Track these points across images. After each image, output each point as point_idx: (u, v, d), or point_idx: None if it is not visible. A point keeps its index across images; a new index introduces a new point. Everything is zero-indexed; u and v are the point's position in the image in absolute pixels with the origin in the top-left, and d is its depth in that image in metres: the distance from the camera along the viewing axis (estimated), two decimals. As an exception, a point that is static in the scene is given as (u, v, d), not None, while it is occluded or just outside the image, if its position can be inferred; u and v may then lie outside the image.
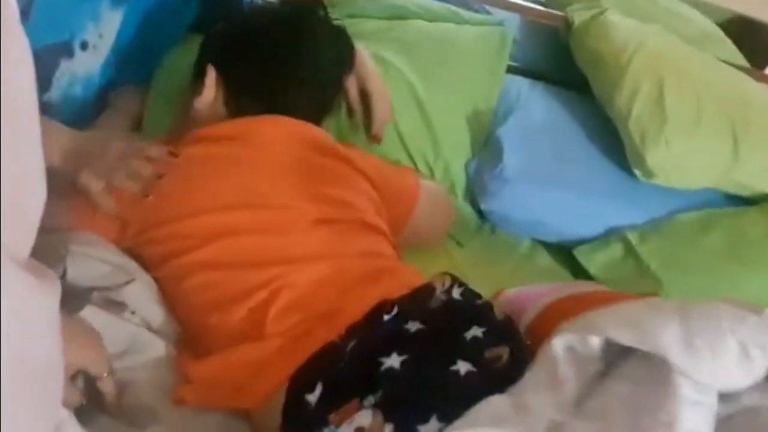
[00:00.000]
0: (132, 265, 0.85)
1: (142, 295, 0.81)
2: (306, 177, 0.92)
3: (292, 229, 0.87)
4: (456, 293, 0.80)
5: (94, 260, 0.81)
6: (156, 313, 0.81)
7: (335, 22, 1.08)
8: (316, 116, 1.03)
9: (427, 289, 0.81)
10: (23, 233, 0.46)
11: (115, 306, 0.77)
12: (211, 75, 0.98)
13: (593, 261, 1.19)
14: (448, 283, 0.82)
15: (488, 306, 0.80)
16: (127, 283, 0.80)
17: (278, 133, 0.96)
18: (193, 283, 0.82)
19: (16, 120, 0.41)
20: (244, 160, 0.92)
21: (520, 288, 1.00)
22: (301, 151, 0.95)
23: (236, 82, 0.99)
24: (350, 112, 1.13)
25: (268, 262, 0.82)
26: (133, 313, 0.77)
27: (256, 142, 0.94)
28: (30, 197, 0.45)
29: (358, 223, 0.92)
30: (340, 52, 1.07)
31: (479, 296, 0.82)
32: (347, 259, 0.86)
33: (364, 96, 1.12)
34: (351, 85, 1.11)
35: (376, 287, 0.82)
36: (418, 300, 0.80)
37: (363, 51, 1.15)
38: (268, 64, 1.00)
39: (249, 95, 0.99)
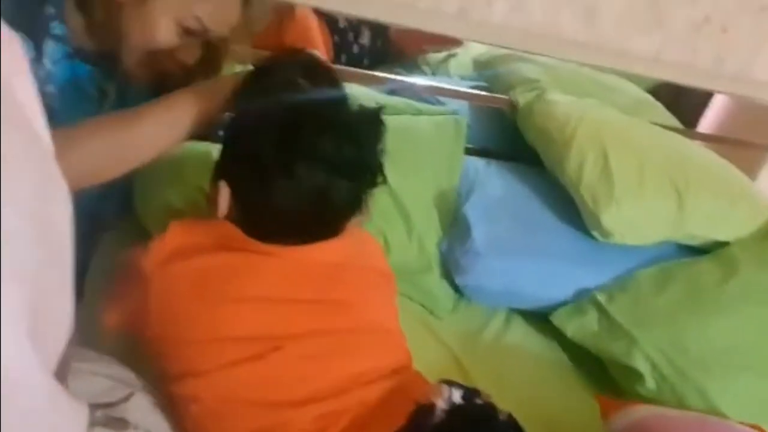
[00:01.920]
0: (131, 376, 0.83)
1: (143, 407, 0.79)
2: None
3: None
4: (456, 397, 0.78)
5: (96, 376, 0.80)
6: (159, 425, 0.79)
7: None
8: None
9: (426, 410, 0.77)
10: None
11: (118, 423, 0.76)
12: (224, 193, 0.82)
13: (569, 325, 1.21)
14: (446, 392, 0.78)
15: (490, 405, 0.79)
16: (128, 397, 0.79)
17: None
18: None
19: (54, 244, 0.42)
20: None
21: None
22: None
23: (244, 208, 0.83)
24: None
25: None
26: (135, 429, 0.76)
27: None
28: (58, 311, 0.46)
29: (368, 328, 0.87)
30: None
31: (479, 394, 0.80)
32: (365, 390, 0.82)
33: None
34: None
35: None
36: (420, 426, 0.76)
37: None
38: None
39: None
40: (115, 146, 0.81)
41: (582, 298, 1.24)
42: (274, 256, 0.81)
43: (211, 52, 0.97)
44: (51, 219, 0.41)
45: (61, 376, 0.79)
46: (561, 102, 1.42)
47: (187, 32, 0.89)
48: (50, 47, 0.90)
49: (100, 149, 0.81)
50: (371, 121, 0.84)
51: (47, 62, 0.90)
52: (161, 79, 0.94)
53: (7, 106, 0.38)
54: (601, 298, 1.22)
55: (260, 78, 0.84)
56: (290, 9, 1.74)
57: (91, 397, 0.77)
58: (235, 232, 0.81)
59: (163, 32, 0.88)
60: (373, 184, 0.86)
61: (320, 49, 1.73)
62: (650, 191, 1.25)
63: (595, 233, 1.26)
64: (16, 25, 0.82)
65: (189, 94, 0.85)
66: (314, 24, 1.78)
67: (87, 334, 0.95)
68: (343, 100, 0.85)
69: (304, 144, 0.78)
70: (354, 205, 0.86)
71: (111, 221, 1.17)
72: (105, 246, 1.14)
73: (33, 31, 0.87)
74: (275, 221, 0.81)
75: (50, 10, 0.89)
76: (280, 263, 0.81)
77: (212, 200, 0.83)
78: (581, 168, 1.27)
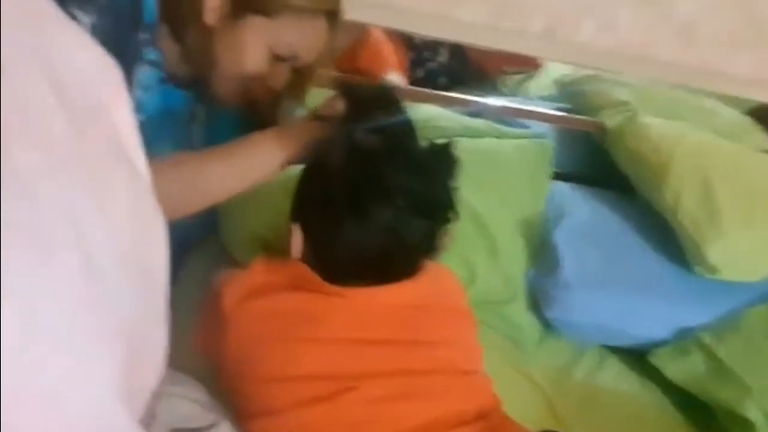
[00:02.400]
0: (217, 404, 0.81)
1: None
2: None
3: None
4: None
5: (183, 399, 0.78)
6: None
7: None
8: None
9: None
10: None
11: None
12: (297, 235, 0.81)
13: (670, 366, 1.11)
14: None
15: None
16: (212, 425, 0.77)
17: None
18: None
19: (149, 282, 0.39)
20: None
21: None
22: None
23: (315, 249, 0.81)
24: None
25: None
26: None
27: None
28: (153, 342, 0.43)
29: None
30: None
31: None
32: None
33: None
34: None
35: None
36: None
37: None
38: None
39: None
40: (193, 185, 0.81)
41: (682, 337, 1.13)
42: (346, 298, 0.78)
43: (298, 78, 0.96)
44: (150, 262, 0.38)
45: (150, 412, 0.77)
46: (654, 124, 1.33)
47: (277, 59, 0.89)
48: (144, 73, 0.91)
49: (179, 187, 0.80)
50: (443, 157, 0.82)
51: (138, 90, 0.91)
52: (250, 104, 0.94)
53: (108, 139, 0.34)
54: (707, 338, 1.11)
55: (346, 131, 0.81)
56: (364, 31, 1.72)
57: (177, 421, 0.75)
58: (309, 274, 0.79)
59: (254, 59, 0.87)
60: (446, 220, 0.83)
61: (394, 70, 1.69)
62: (761, 221, 1.14)
63: (698, 269, 1.16)
64: (110, 52, 0.84)
65: (271, 138, 0.84)
66: (387, 46, 1.76)
67: (173, 354, 0.94)
68: (412, 135, 0.83)
69: (374, 182, 0.76)
70: (428, 243, 0.82)
71: (196, 241, 1.17)
72: (191, 266, 1.12)
73: (125, 59, 0.87)
74: (347, 263, 0.79)
75: (144, 36, 0.89)
76: (352, 305, 0.78)
77: (287, 242, 0.82)
78: (680, 195, 1.18)
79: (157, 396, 0.81)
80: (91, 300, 0.30)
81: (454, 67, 1.92)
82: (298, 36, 0.87)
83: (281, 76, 0.91)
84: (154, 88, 0.93)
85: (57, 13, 0.34)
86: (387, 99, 0.86)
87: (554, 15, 1.35)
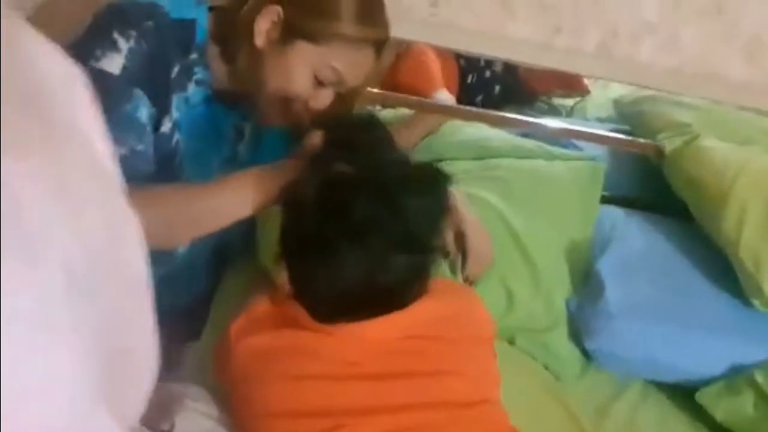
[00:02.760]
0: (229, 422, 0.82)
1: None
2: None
3: None
4: None
5: (200, 415, 0.79)
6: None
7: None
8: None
9: None
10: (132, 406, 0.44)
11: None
12: (283, 272, 0.81)
13: (718, 406, 1.04)
14: None
15: None
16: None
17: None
18: None
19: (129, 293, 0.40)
20: None
21: None
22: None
23: (294, 289, 0.80)
24: (445, 254, 1.10)
25: None
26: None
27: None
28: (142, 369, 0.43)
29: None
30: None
31: None
32: None
33: (459, 238, 1.09)
34: (446, 227, 1.08)
35: None
36: None
37: (457, 191, 1.13)
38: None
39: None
40: (170, 222, 0.82)
41: (735, 376, 1.06)
42: (333, 336, 0.76)
43: (343, 100, 0.97)
44: (127, 262, 0.39)
45: (169, 421, 0.79)
46: (717, 148, 1.25)
47: (321, 84, 0.90)
48: (191, 91, 0.94)
49: (156, 222, 0.82)
50: (428, 182, 0.80)
51: (183, 108, 0.93)
52: (295, 124, 0.96)
53: (80, 147, 0.35)
54: (760, 377, 1.03)
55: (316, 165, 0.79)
56: (406, 45, 1.70)
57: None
58: (298, 311, 0.77)
59: (299, 82, 0.89)
60: (430, 252, 0.80)
61: (437, 83, 1.66)
62: (827, 256, 1.06)
63: (755, 302, 1.08)
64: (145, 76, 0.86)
65: (249, 179, 0.84)
66: (430, 58, 1.72)
67: (205, 371, 0.95)
68: (393, 165, 0.80)
69: (344, 221, 0.73)
70: (414, 275, 0.78)
71: (234, 255, 1.18)
72: (227, 281, 1.14)
73: (164, 83, 0.90)
74: (327, 302, 0.76)
75: (194, 56, 0.93)
76: (340, 341, 0.75)
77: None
78: (741, 224, 1.10)
79: (178, 407, 0.83)
80: (68, 300, 0.31)
81: (508, 81, 1.88)
82: (344, 63, 0.89)
83: (325, 100, 0.93)
84: (201, 106, 0.97)
85: (26, 25, 0.35)
86: (369, 130, 0.85)
87: (611, 32, 1.30)
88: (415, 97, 1.44)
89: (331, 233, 0.73)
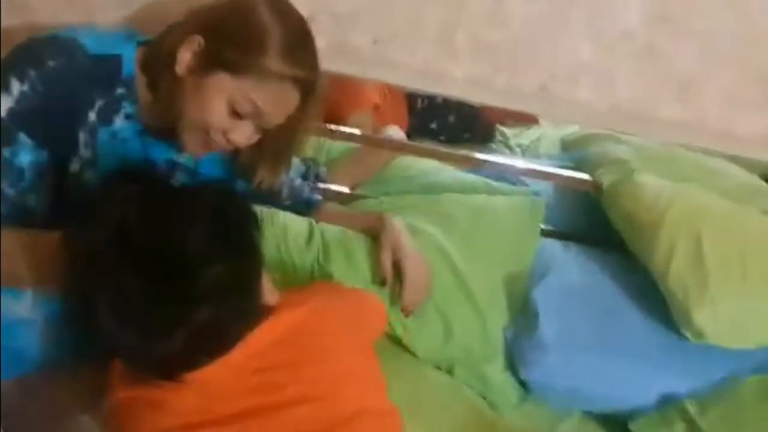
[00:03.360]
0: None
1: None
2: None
3: None
4: None
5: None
6: None
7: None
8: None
9: None
10: None
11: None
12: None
13: (650, 436, 1.04)
14: None
15: None
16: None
17: None
18: None
19: None
20: None
21: None
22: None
23: None
24: (382, 282, 1.11)
25: None
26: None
27: None
28: None
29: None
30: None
31: None
32: None
33: (398, 267, 1.09)
34: (385, 255, 1.09)
35: None
36: None
37: (398, 222, 1.14)
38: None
39: None
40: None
41: (667, 406, 1.06)
42: (181, 388, 0.74)
43: (271, 138, 0.97)
44: None
45: None
46: (651, 184, 1.28)
47: (240, 116, 0.90)
48: (121, 126, 0.95)
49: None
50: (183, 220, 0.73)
51: (114, 142, 0.94)
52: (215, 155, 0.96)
53: None
54: (691, 407, 1.04)
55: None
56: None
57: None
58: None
59: (215, 112, 0.89)
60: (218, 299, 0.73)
61: (392, 124, 1.68)
62: (754, 286, 1.08)
63: (685, 332, 1.09)
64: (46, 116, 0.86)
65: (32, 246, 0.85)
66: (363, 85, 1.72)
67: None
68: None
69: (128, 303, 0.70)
70: (222, 320, 0.73)
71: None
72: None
73: (70, 121, 0.90)
74: (152, 364, 0.74)
75: (121, 90, 0.94)
76: (189, 391, 0.74)
77: None
78: (670, 257, 1.12)
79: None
80: None
81: (463, 111, 1.91)
82: (262, 97, 0.88)
83: (244, 133, 0.92)
84: (133, 140, 0.97)
85: None
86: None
87: (548, 73, 1.34)
88: (364, 133, 1.46)
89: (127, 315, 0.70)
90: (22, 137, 0.86)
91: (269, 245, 1.09)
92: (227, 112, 0.89)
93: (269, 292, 0.81)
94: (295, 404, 0.75)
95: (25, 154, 0.87)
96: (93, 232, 0.72)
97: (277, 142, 0.99)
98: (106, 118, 0.93)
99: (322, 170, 1.40)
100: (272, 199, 1.16)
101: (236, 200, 0.81)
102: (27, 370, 0.93)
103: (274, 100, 0.90)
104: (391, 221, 1.14)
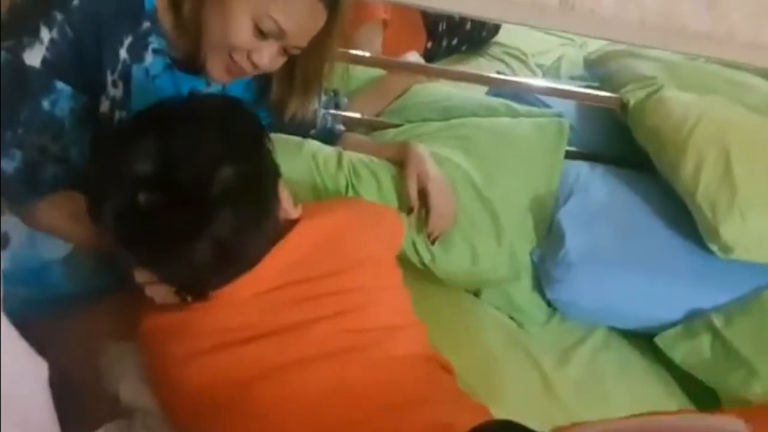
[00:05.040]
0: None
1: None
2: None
3: None
4: None
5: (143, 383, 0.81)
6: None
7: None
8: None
9: None
10: None
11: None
12: (140, 277, 0.76)
13: (677, 349, 1.05)
14: None
15: None
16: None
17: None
18: None
19: None
20: None
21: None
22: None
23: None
24: (409, 210, 1.11)
25: None
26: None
27: None
28: None
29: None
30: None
31: None
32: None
33: (424, 195, 1.10)
34: (411, 183, 1.09)
35: None
36: None
37: (423, 150, 1.13)
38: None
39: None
40: None
41: (693, 320, 1.07)
42: (209, 309, 0.75)
43: (300, 68, 0.95)
44: None
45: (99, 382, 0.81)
46: (678, 99, 1.25)
47: (262, 34, 0.87)
48: (150, 62, 0.93)
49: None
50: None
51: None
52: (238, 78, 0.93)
53: None
54: (717, 320, 1.05)
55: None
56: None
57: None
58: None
59: (238, 30, 0.86)
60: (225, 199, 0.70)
61: (382, 21, 1.64)
62: (782, 199, 1.06)
63: (712, 247, 1.09)
64: (78, 64, 0.84)
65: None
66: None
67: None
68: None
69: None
70: (244, 230, 0.72)
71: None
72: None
73: (97, 64, 0.88)
74: (184, 279, 0.74)
75: (147, 24, 0.91)
76: (217, 311, 0.74)
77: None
78: (698, 172, 1.11)
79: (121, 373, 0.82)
80: None
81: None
82: (284, 14, 0.85)
83: (268, 54, 0.89)
84: (163, 75, 0.95)
85: None
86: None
87: (572, -13, 1.29)
88: (384, 57, 1.44)
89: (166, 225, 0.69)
90: (60, 85, 0.85)
91: (300, 171, 1.09)
92: (251, 31, 0.86)
93: (290, 206, 0.80)
94: (331, 317, 0.75)
95: (64, 103, 0.86)
96: (110, 152, 0.72)
97: (305, 72, 0.98)
98: (137, 55, 0.91)
99: (343, 101, 1.38)
100: (304, 129, 1.15)
101: (244, 110, 0.78)
102: (66, 303, 0.97)
103: (296, 17, 0.86)
104: (416, 149, 1.13)
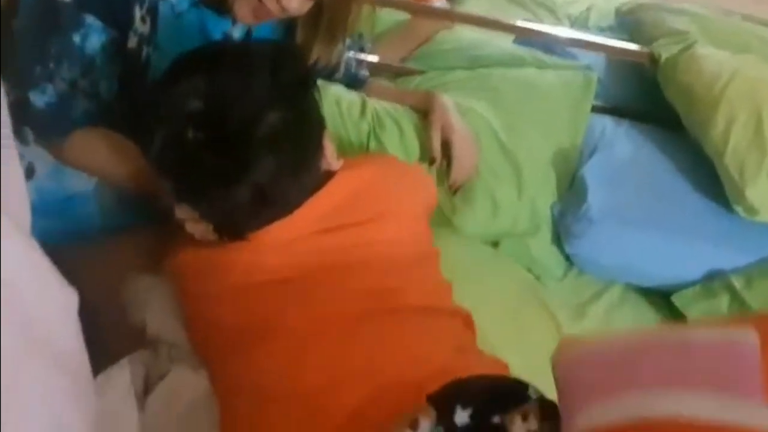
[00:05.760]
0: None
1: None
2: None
3: None
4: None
5: (169, 314, 0.82)
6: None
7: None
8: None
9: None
10: None
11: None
12: (181, 213, 0.77)
13: (694, 308, 1.05)
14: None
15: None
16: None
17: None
18: None
19: None
20: None
21: (584, 352, 0.60)
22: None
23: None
24: (431, 160, 1.10)
25: None
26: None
27: None
28: None
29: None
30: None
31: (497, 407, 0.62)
32: None
33: (446, 146, 1.09)
34: (434, 134, 1.07)
35: None
36: None
37: (447, 101, 1.11)
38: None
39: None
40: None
41: (713, 280, 1.07)
42: (244, 248, 0.75)
43: (328, 11, 0.92)
44: None
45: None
46: (711, 56, 1.22)
47: None
48: None
49: None
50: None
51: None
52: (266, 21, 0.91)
53: None
54: (736, 282, 1.04)
55: None
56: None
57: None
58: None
59: None
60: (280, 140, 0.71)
61: None
62: (811, 163, 1.04)
63: (737, 208, 1.08)
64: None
65: None
66: None
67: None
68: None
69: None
70: (284, 175, 0.72)
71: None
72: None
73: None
74: (224, 218, 0.74)
75: None
76: (251, 252, 0.75)
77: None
78: (728, 131, 1.08)
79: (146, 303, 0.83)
80: None
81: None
82: None
83: None
84: (189, 13, 0.93)
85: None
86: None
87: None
88: (410, 1, 1.40)
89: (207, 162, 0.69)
90: (90, 19, 0.83)
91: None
92: None
93: (332, 157, 0.80)
94: (360, 267, 0.76)
95: (95, 37, 0.84)
96: (164, 86, 0.73)
97: (332, 15, 0.95)
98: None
99: (367, 45, 1.35)
100: (327, 73, 1.13)
101: (296, 59, 0.79)
102: (91, 236, 0.98)
103: None
104: (440, 99, 1.11)
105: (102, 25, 0.84)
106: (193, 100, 0.69)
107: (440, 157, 1.08)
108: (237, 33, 1.01)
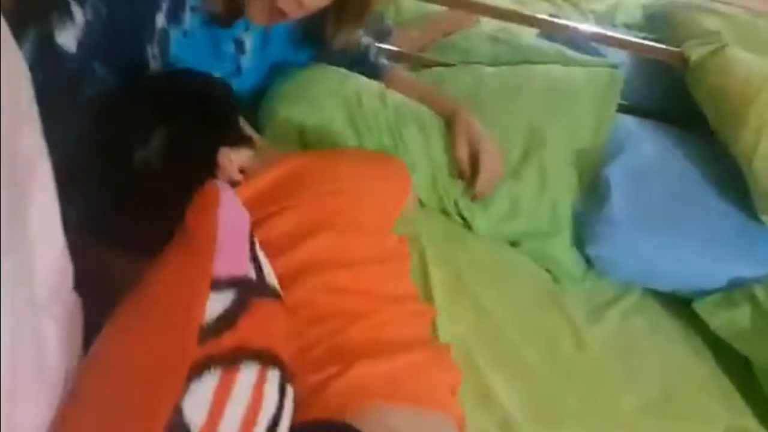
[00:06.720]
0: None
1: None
2: None
3: None
4: None
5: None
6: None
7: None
8: None
9: None
10: None
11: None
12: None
13: (714, 316, 1.02)
14: None
15: None
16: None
17: None
18: None
19: None
20: None
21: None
22: None
23: None
24: (461, 173, 1.08)
25: None
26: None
27: None
28: None
29: None
30: None
31: None
32: None
33: (474, 158, 1.06)
34: (462, 147, 1.06)
35: None
36: None
37: (471, 117, 1.09)
38: None
39: None
40: None
41: (735, 289, 1.04)
42: None
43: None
44: None
45: None
46: (743, 59, 1.18)
47: None
48: (187, 19, 0.90)
49: None
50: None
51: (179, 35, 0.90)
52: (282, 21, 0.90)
53: None
54: (759, 291, 1.02)
55: None
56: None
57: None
58: None
59: None
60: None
61: None
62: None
63: (763, 217, 1.05)
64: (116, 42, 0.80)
65: None
66: None
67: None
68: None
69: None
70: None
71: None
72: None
73: (137, 40, 0.87)
74: None
75: None
76: None
77: None
78: (758, 137, 1.05)
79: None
80: None
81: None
82: None
83: None
84: (198, 31, 0.92)
85: None
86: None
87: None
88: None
89: None
90: (98, 67, 0.82)
91: (339, 107, 1.06)
92: None
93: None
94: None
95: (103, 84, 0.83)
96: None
97: (357, 3, 0.95)
98: (175, 18, 0.88)
99: (389, 23, 1.33)
100: (348, 60, 1.12)
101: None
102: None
103: None
104: (465, 115, 1.09)
105: (108, 71, 0.84)
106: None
107: (468, 170, 1.07)
108: (249, 36, 1.00)
